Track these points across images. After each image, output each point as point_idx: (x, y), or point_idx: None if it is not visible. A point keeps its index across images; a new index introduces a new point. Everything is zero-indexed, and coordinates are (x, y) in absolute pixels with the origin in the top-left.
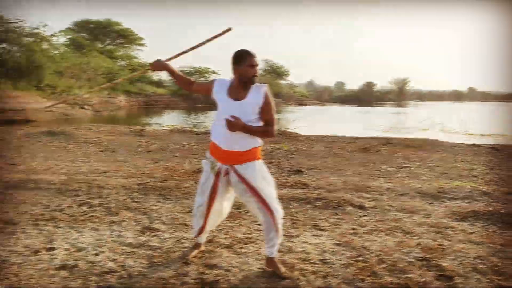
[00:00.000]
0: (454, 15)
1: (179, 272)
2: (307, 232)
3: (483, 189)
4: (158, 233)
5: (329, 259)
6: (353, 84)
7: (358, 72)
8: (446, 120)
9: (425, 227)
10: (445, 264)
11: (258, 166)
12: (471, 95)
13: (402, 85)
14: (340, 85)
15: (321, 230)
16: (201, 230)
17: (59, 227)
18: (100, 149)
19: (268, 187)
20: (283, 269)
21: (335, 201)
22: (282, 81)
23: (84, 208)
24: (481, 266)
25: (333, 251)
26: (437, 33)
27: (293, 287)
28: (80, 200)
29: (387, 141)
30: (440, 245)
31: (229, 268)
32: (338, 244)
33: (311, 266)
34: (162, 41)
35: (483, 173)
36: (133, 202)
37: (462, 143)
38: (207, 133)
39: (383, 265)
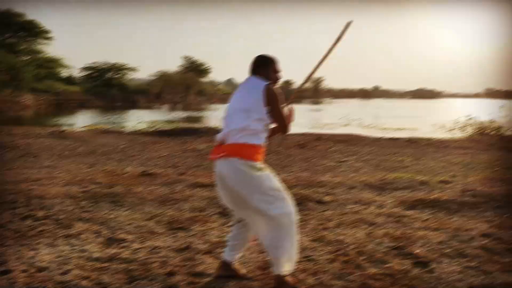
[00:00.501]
0: (359, 15)
1: (166, 285)
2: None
3: (420, 179)
4: (125, 244)
5: (311, 255)
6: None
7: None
8: (361, 116)
9: (383, 217)
10: (417, 251)
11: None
12: (377, 93)
13: (317, 83)
14: None
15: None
16: None
17: (6, 246)
18: (19, 154)
19: None
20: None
21: (296, 197)
22: (203, 79)
23: (29, 221)
24: (447, 250)
25: (312, 248)
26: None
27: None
28: (21, 213)
29: (318, 137)
30: (404, 233)
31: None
32: (314, 240)
33: (299, 264)
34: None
35: (411, 164)
36: (84, 212)
37: (382, 137)
38: (138, 133)
39: (363, 257)
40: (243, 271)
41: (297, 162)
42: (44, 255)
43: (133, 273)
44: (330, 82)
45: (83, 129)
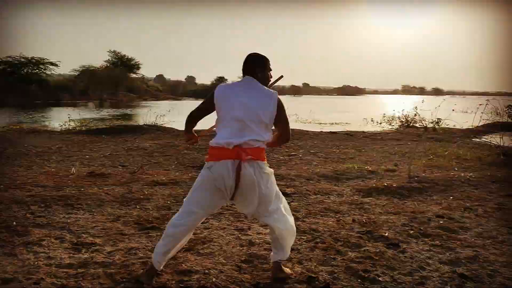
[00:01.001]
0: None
1: (156, 285)
2: (254, 224)
3: (368, 169)
4: (97, 247)
5: (292, 245)
6: (205, 79)
7: (210, 67)
8: (297, 112)
9: (346, 205)
10: (386, 234)
11: None
12: (306, 90)
13: None
14: (191, 79)
15: (243, 219)
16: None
17: None
18: None
19: None
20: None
21: None
22: (133, 75)
23: None
24: (411, 231)
25: None
26: (273, 34)
27: (282, 278)
28: None
29: None
30: (370, 219)
31: (206, 270)
32: None
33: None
34: None
35: (356, 155)
36: (37, 217)
37: (322, 131)
38: (71, 132)
39: (340, 243)
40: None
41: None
42: (6, 265)
43: (116, 277)
44: None
45: (3, 129)
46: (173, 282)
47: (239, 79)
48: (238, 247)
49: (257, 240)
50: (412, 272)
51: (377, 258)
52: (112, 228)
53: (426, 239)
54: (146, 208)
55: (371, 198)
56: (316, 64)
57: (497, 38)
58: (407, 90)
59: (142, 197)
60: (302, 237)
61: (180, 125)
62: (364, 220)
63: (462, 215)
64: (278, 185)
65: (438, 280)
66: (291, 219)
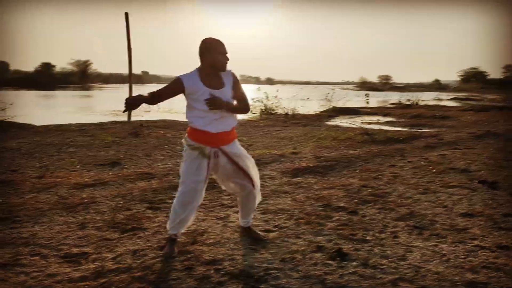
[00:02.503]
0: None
1: (198, 278)
2: (213, 212)
3: (275, 153)
4: (94, 256)
5: (276, 223)
6: (26, 66)
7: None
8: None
9: (286, 186)
10: (342, 205)
11: (238, 144)
12: (147, 78)
13: (84, 67)
14: (4, 65)
15: (225, 206)
16: (185, 221)
17: None
18: None
19: (251, 164)
20: (261, 233)
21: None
22: None
23: None
24: (355, 200)
25: (269, 218)
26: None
27: (292, 251)
28: None
29: (140, 124)
30: (317, 194)
31: (230, 257)
32: (263, 213)
33: (273, 233)
34: None
35: (253, 141)
36: None
37: None
38: None
39: (314, 217)
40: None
41: (156, 150)
42: None
43: (149, 277)
44: (98, 66)
45: None
46: (211, 271)
47: None
48: (235, 233)
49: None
50: (383, 229)
51: (350, 224)
52: (89, 235)
53: (369, 204)
54: (103, 211)
55: (300, 178)
56: (154, 53)
57: (317, 36)
58: (244, 80)
59: (85, 201)
60: (281, 216)
61: (31, 119)
62: (314, 196)
63: (377, 183)
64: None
65: (403, 232)
66: None
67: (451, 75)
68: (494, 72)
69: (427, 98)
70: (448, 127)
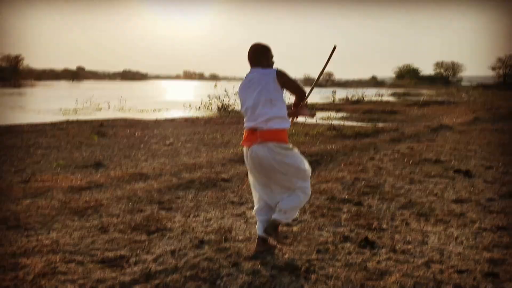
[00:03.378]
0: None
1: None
2: (227, 210)
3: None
4: (132, 259)
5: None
6: None
7: None
8: (107, 100)
9: None
10: (346, 197)
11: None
12: (83, 74)
13: (15, 63)
14: None
15: (236, 203)
16: None
17: None
18: None
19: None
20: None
21: (203, 181)
22: None
23: None
24: (354, 192)
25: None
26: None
27: (322, 242)
28: None
29: (100, 124)
30: (318, 188)
31: (268, 252)
32: None
33: (295, 227)
34: None
35: (228, 139)
36: None
37: (158, 119)
38: None
39: (325, 209)
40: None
41: (133, 150)
42: None
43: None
44: (30, 61)
45: None
46: (259, 266)
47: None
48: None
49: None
50: (393, 218)
51: (362, 214)
52: (115, 238)
53: (369, 195)
54: (116, 214)
55: None
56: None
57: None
58: (188, 76)
59: (91, 205)
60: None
61: None
62: (316, 190)
63: (367, 175)
64: (208, 172)
65: (412, 220)
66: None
67: (386, 72)
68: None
69: (370, 94)
70: (400, 121)
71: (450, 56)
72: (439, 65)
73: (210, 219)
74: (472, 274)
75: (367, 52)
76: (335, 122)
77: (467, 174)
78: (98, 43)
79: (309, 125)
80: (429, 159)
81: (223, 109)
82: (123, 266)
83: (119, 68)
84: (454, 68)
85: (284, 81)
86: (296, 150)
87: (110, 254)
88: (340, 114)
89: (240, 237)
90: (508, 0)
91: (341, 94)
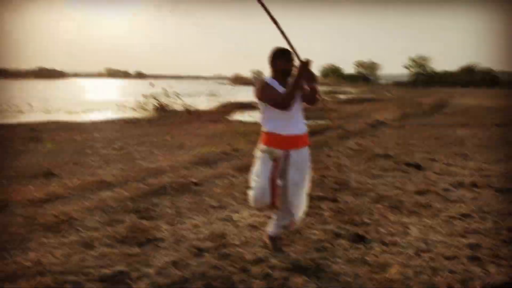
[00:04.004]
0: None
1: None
2: (210, 215)
3: (219, 150)
4: (134, 274)
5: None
6: None
7: None
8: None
9: (243, 185)
10: (321, 194)
11: (308, 152)
12: None
13: None
14: None
15: (217, 207)
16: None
17: None
18: None
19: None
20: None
21: (174, 186)
22: None
23: None
24: (330, 189)
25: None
26: None
27: (318, 241)
28: None
29: (31, 128)
30: None
31: (271, 254)
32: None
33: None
34: None
35: (182, 140)
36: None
37: (93, 121)
38: None
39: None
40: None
41: (81, 157)
42: None
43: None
44: None
45: None
46: (268, 269)
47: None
48: (253, 231)
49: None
50: (371, 212)
51: (342, 211)
52: (105, 253)
53: (341, 192)
54: (94, 227)
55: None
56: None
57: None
58: (112, 74)
59: (62, 219)
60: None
61: None
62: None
63: (332, 173)
64: (181, 176)
65: (387, 213)
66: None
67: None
68: (348, 68)
69: None
70: (337, 118)
71: (369, 56)
72: (359, 64)
73: (198, 226)
74: (460, 260)
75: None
76: None
77: (417, 167)
78: (8, 37)
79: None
80: (379, 154)
81: (162, 110)
82: (127, 282)
83: (32, 66)
84: (372, 67)
85: (257, 97)
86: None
87: (107, 271)
88: None
89: (237, 242)
90: (419, 5)
91: None
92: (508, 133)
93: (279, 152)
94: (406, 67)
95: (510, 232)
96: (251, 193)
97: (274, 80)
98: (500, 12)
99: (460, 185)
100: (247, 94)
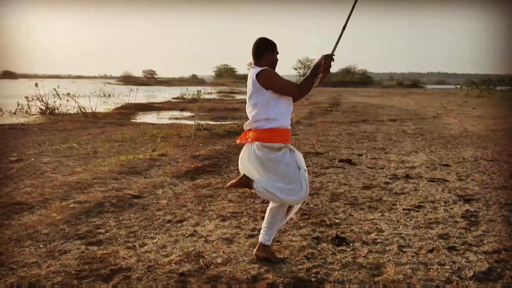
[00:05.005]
0: None
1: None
2: (171, 231)
3: (149, 156)
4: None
5: (249, 226)
6: None
7: None
8: None
9: (203, 189)
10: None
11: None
12: None
13: None
14: None
15: (174, 222)
16: None
17: None
18: None
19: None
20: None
21: (113, 201)
22: None
23: None
24: None
25: (236, 224)
26: None
27: (302, 248)
28: None
29: None
30: (243, 192)
31: (263, 269)
32: (223, 220)
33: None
34: None
35: (92, 147)
36: None
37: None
38: None
39: None
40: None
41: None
42: None
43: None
44: None
45: None
46: (309, 265)
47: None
48: (230, 245)
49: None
50: (336, 211)
51: (309, 212)
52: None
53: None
54: (34, 261)
55: (201, 180)
56: None
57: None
58: None
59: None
60: (245, 219)
61: None
62: (245, 194)
63: None
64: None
65: (350, 211)
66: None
67: (205, 71)
68: (242, 69)
69: (195, 91)
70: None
71: None
72: (251, 65)
73: (164, 246)
74: (440, 251)
75: (188, 51)
76: (198, 122)
77: (351, 162)
78: None
79: (177, 126)
80: (310, 152)
81: (51, 113)
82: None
83: None
84: None
85: (267, 86)
86: (284, 154)
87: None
88: (187, 114)
89: (219, 260)
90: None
91: (170, 92)
92: (404, 127)
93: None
94: (295, 68)
95: (464, 219)
96: (302, 189)
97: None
98: (375, 19)
99: (396, 177)
100: (144, 95)
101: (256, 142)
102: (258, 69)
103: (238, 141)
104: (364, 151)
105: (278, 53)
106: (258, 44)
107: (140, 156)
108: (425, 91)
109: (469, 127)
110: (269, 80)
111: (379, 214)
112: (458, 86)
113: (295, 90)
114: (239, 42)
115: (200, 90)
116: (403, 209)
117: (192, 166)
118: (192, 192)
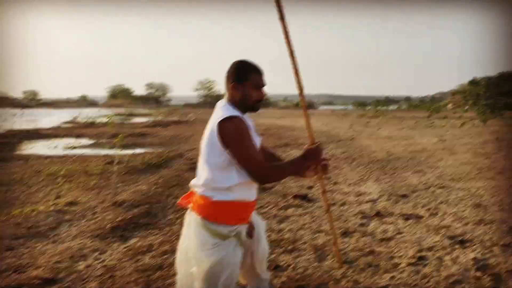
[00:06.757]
0: None
1: None
2: None
3: (51, 210)
4: None
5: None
6: None
7: None
8: None
9: (128, 265)
10: None
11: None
12: None
13: None
14: None
15: None
16: None
17: None
18: None
19: None
20: None
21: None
22: None
23: None
24: None
25: None
26: None
27: None
28: None
29: None
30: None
31: None
32: None
33: None
34: None
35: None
36: None
37: None
38: None
39: None
40: None
41: None
42: None
43: None
44: None
45: None
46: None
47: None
48: None
49: None
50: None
51: (296, 279)
52: None
53: (274, 250)
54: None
55: (136, 238)
56: None
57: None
58: None
59: None
60: None
61: None
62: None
63: None
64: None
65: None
66: None
67: (97, 91)
68: (139, 89)
69: (90, 115)
70: (160, 144)
71: (160, 77)
72: (149, 85)
73: None
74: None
75: (76, 69)
76: (108, 153)
77: (307, 199)
78: None
79: (80, 158)
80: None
81: None
82: None
83: None
84: (163, 88)
85: (226, 145)
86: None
87: None
88: (85, 141)
89: None
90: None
91: (59, 116)
92: (332, 151)
93: (245, 230)
94: (196, 89)
95: (482, 272)
96: None
97: (240, 115)
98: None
99: (366, 216)
100: (26, 120)
101: (198, 217)
102: (225, 114)
103: (178, 203)
104: (308, 181)
105: (261, 85)
106: (228, 69)
107: (41, 208)
108: (321, 112)
109: (390, 148)
110: (230, 140)
111: (388, 276)
112: (349, 107)
113: (258, 171)
114: (135, 60)
115: (92, 114)
116: (408, 265)
117: (118, 219)
118: (131, 264)
